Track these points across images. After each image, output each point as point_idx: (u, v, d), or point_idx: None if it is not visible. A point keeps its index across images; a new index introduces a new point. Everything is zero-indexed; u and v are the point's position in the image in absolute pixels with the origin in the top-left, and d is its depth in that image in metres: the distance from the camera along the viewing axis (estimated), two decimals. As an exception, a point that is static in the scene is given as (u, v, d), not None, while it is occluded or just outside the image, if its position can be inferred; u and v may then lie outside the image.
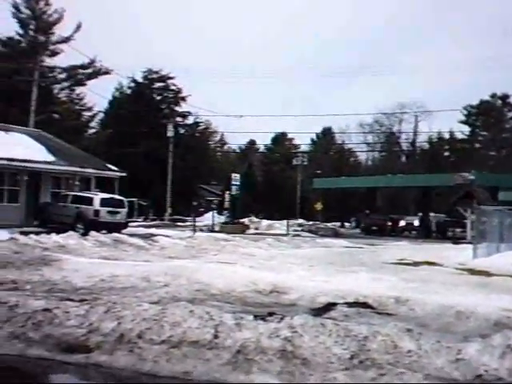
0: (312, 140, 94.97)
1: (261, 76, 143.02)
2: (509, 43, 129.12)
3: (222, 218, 48.75)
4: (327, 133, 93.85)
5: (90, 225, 30.92)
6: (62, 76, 63.12)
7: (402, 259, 21.06)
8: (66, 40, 59.14)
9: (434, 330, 8.55)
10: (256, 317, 8.26)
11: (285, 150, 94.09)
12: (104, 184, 43.93)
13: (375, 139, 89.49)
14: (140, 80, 69.97)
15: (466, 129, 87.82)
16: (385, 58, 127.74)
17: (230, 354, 7.25)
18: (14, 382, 7.44)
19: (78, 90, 65.92)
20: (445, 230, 43.54)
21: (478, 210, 24.98)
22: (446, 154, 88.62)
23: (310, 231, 45.57)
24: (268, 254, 22.23)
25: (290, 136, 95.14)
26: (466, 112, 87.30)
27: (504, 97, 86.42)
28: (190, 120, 72.65)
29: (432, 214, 47.98)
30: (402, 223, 50.38)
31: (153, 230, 36.29)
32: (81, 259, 15.95)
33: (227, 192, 49.60)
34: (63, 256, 16.04)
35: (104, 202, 33.51)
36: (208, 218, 49.12)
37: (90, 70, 61.77)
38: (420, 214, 50.11)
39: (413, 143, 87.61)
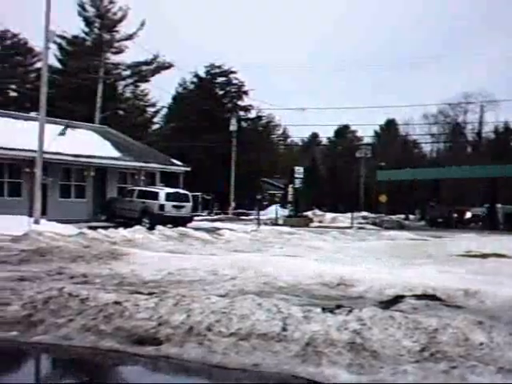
0: (375, 132, 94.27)
1: (324, 68, 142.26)
2: None
3: (286, 212, 48.75)
4: (391, 124, 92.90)
5: (155, 219, 31.29)
6: (127, 73, 63.98)
7: (469, 251, 20.68)
8: (130, 37, 59.91)
9: (505, 322, 8.38)
10: (324, 309, 8.24)
11: (348, 142, 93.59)
12: (169, 179, 44.39)
13: (440, 130, 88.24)
14: (203, 75, 70.44)
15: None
16: (450, 47, 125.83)
17: (298, 346, 7.25)
18: (86, 374, 7.58)
19: (142, 86, 66.77)
20: (513, 221, 42.72)
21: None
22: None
23: (374, 224, 45.19)
24: (333, 246, 22.12)
25: (353, 128, 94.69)
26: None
27: None
28: (253, 114, 72.95)
29: (499, 206, 47.10)
30: (468, 215, 49.56)
31: (217, 224, 36.53)
32: (148, 253, 16.15)
33: (290, 185, 49.52)
34: (131, 250, 16.26)
35: (169, 197, 33.86)
36: (271, 212, 49.24)
37: (153, 66, 62.41)
38: (486, 205, 49.20)
39: (478, 134, 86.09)
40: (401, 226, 43.74)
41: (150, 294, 9.49)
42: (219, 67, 70.41)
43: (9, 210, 29.57)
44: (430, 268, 14.31)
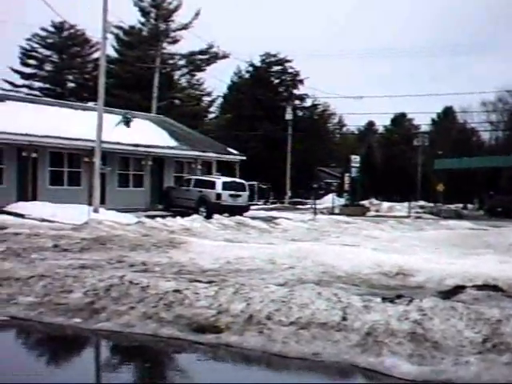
0: (433, 120, 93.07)
1: (381, 56, 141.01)
2: None
3: (342, 201, 48.54)
4: (448, 112, 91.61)
5: (212, 208, 31.45)
6: (182, 62, 64.29)
7: (530, 241, 20.35)
8: (186, 27, 60.09)
9: None
10: (384, 299, 8.22)
11: (405, 130, 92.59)
12: (225, 168, 44.56)
13: (498, 118, 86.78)
14: (258, 64, 70.41)
15: None
16: (510, 33, 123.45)
17: (359, 336, 7.25)
18: (148, 361, 7.68)
19: (198, 75, 67.00)
20: None
21: None
22: None
23: (431, 213, 44.72)
24: (391, 236, 21.97)
25: (409, 116, 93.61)
26: None
27: None
28: (308, 102, 72.67)
29: (561, 194, 46.11)
30: (529, 204, 48.62)
31: (273, 213, 36.54)
32: (206, 242, 16.26)
33: (347, 174, 49.29)
34: (189, 239, 16.41)
35: (226, 186, 33.98)
36: (327, 201, 49.03)
37: (208, 56, 62.60)
38: (548, 194, 48.20)
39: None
40: (459, 216, 43.17)
41: (210, 282, 9.57)
42: (274, 56, 70.24)
43: (68, 199, 30.05)
44: (491, 258, 14.13)
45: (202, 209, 32.49)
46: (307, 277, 11.11)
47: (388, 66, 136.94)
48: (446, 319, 7.28)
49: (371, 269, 11.93)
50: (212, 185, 34.12)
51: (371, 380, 6.70)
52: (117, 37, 60.72)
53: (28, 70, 65.84)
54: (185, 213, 29.39)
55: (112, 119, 34.94)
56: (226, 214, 28.91)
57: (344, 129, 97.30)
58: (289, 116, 60.33)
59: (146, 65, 57.18)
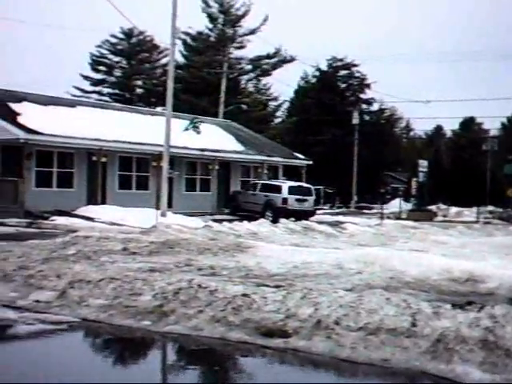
0: (502, 124, 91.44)
1: (448, 60, 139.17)
2: None
3: (409, 205, 48.07)
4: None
5: (278, 212, 31.52)
6: (249, 67, 64.56)
7: None
8: (253, 32, 60.37)
9: None
10: (454, 305, 8.10)
11: (473, 135, 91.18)
12: (291, 172, 44.59)
13: None
14: (325, 68, 70.19)
15: None
16: None
17: (428, 342, 7.16)
18: (216, 364, 7.73)
19: (264, 80, 67.24)
20: None
21: None
22: None
23: (501, 218, 43.86)
24: (459, 241, 21.61)
25: (478, 121, 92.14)
26: None
27: None
28: (375, 107, 72.16)
29: None
30: None
31: (340, 218, 36.39)
32: (273, 246, 16.26)
33: (414, 179, 48.81)
34: (256, 243, 16.43)
35: (292, 190, 34.02)
36: (394, 205, 48.59)
37: (275, 60, 62.73)
38: None
39: None
40: (530, 221, 42.25)
41: (277, 286, 9.57)
42: (341, 60, 69.94)
43: (136, 203, 30.51)
44: None
45: (268, 213, 32.60)
46: (375, 282, 11.02)
47: (457, 69, 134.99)
48: (519, 327, 7.14)
49: (440, 275, 11.76)
50: (278, 189, 34.20)
51: (442, 387, 6.62)
52: (184, 42, 61.44)
53: (98, 76, 67.20)
54: (251, 217, 29.51)
55: (180, 124, 35.37)
56: (292, 219, 28.89)
57: (411, 133, 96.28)
58: (355, 120, 60.03)
59: (213, 70, 57.67)
